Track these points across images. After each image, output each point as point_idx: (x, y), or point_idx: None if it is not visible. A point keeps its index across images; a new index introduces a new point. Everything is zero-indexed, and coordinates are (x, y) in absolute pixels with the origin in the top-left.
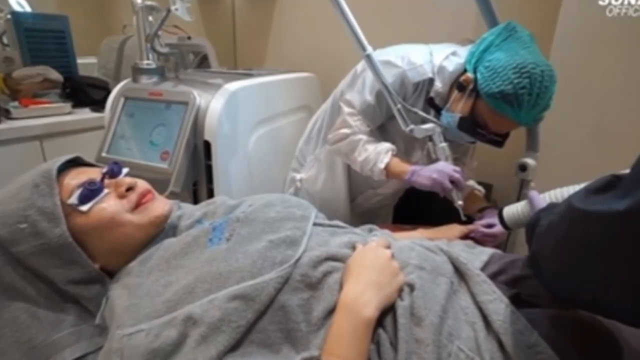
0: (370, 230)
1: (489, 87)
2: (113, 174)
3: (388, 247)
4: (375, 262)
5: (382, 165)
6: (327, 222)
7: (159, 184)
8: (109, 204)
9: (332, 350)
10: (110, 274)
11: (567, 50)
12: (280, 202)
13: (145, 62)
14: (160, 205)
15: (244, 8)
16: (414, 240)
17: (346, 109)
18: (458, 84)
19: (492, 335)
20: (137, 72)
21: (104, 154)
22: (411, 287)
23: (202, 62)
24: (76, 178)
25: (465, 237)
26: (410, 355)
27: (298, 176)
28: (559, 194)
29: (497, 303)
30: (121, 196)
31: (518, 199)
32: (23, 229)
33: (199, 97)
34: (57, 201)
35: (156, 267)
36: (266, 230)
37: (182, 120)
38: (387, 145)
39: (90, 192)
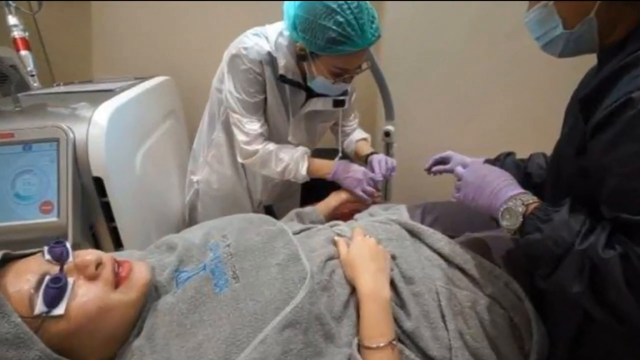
0: (332, 225)
1: (316, 45)
2: (61, 258)
3: (364, 235)
4: (371, 252)
5: (303, 172)
6: (297, 227)
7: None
8: (86, 293)
9: (372, 333)
10: None
11: None
12: (247, 224)
13: None
14: (141, 271)
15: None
16: (368, 219)
17: (233, 116)
18: (298, 56)
19: (454, 267)
20: None
21: None
22: (393, 257)
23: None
24: (20, 281)
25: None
26: (415, 305)
27: (195, 178)
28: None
29: (449, 245)
30: (92, 278)
31: None
32: None
33: (70, 130)
34: (15, 319)
35: (170, 334)
36: (265, 255)
37: (57, 162)
38: (301, 150)
39: (58, 290)
